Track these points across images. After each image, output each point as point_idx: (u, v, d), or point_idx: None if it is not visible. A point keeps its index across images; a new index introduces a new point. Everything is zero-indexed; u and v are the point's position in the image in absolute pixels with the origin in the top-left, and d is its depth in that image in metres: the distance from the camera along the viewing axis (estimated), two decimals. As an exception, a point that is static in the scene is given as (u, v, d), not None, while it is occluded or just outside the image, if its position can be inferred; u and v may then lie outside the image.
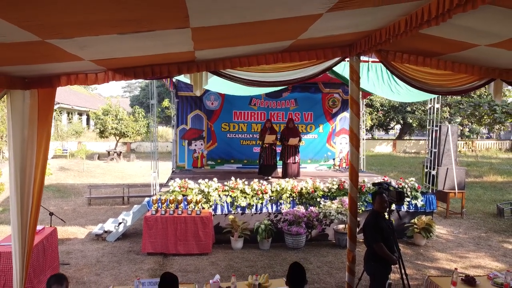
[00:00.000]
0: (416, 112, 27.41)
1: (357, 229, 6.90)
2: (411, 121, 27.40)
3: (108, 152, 21.35)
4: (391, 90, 7.12)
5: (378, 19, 3.46)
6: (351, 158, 4.63)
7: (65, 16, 2.19)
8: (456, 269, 4.17)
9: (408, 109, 27.58)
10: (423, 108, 26.01)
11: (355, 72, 4.60)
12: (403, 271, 4.55)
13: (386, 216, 4.65)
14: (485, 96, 20.04)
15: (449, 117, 25.56)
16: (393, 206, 4.94)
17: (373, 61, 7.06)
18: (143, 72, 4.30)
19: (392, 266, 4.41)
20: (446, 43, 3.99)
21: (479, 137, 31.01)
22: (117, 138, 22.60)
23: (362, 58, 6.80)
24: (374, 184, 5.21)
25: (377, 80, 7.07)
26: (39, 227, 5.71)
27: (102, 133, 21.72)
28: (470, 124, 23.18)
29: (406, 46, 4.41)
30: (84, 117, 34.55)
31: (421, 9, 3.04)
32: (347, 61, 4.77)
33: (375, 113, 27.79)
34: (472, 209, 10.71)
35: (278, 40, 3.83)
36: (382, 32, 3.79)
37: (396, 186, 7.62)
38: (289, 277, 3.28)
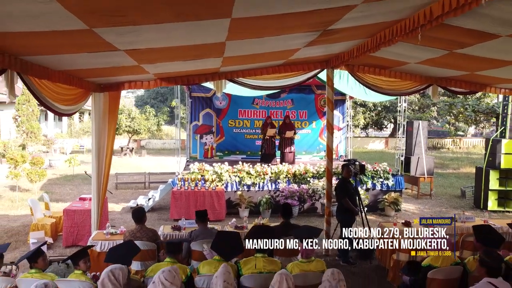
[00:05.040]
0: (406, 112, 29.25)
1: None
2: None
3: (121, 148, 23.23)
4: (365, 93, 9.04)
5: (339, 48, 5.39)
6: (327, 141, 6.56)
7: (163, 55, 4.08)
8: (396, 213, 6.06)
9: (399, 108, 29.39)
10: (412, 107, 27.86)
11: (330, 79, 6.52)
12: (365, 221, 6.41)
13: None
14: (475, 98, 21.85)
15: (436, 116, 27.44)
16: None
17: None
18: (181, 80, 6.23)
19: (356, 217, 6.30)
20: (389, 61, 5.89)
21: (467, 135, 32.86)
22: (130, 135, 24.45)
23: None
24: (344, 160, 7.10)
25: (354, 84, 8.98)
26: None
27: (116, 130, 23.53)
28: (456, 122, 25.03)
29: (366, 62, 6.32)
30: (94, 117, 36.32)
31: (365, 42, 4.95)
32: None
33: (368, 112, 29.55)
34: (442, 193, 12.61)
35: (276, 60, 5.75)
36: (345, 54, 5.71)
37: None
38: (281, 211, 5.16)
